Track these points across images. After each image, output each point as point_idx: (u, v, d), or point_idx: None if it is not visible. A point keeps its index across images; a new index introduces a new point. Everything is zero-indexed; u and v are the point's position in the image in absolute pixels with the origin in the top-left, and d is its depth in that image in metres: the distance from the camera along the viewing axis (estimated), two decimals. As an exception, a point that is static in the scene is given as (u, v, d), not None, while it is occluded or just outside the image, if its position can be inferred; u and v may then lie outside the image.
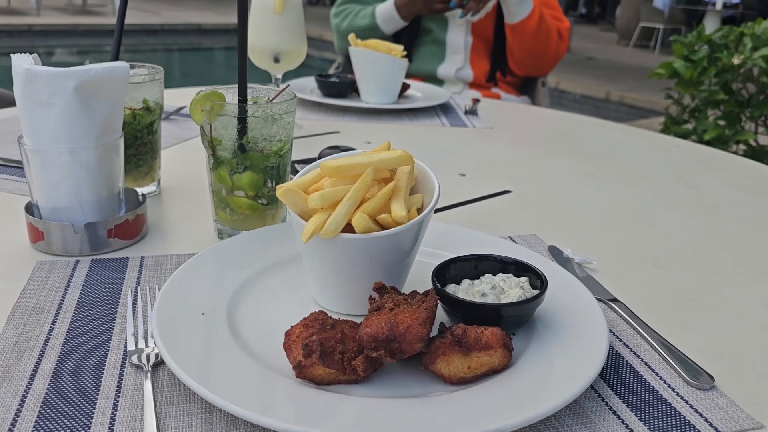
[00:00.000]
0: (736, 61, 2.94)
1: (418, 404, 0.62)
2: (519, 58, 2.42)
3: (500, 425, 0.58)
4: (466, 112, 1.91)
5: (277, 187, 0.74)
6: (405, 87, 1.97)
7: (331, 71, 2.75)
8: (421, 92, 2.07)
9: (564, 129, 1.87)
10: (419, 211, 0.78)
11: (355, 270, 0.74)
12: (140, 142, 1.11)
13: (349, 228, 0.72)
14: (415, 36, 2.49)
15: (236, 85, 0.95)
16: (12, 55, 0.89)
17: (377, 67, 1.84)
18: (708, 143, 3.13)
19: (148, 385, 0.66)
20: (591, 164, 1.51)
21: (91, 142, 0.90)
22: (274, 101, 0.96)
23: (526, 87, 2.65)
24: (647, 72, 3.74)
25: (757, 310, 0.88)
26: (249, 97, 0.96)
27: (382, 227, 0.74)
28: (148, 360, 0.70)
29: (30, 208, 0.95)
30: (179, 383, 0.67)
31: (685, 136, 3.27)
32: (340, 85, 1.92)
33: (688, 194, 1.34)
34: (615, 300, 0.87)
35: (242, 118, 0.92)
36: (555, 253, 1.00)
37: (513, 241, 1.04)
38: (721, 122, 3.19)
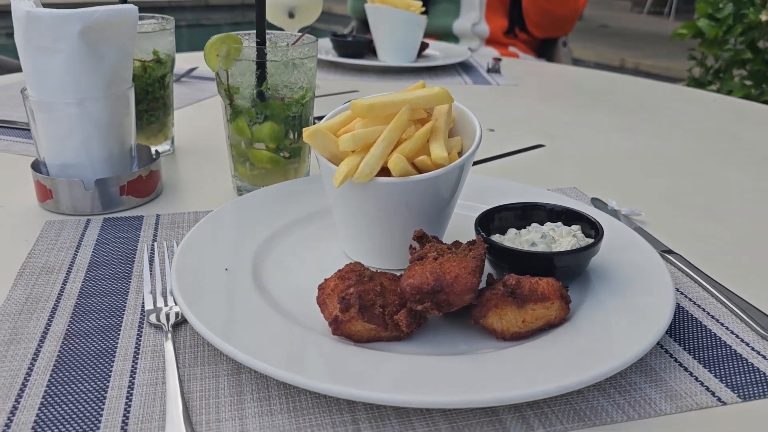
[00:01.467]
0: (764, 17, 2.83)
1: (468, 362, 0.56)
2: (535, 19, 2.33)
3: (563, 383, 0.51)
4: (489, 71, 1.83)
5: (304, 129, 0.67)
6: (423, 46, 1.88)
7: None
8: (439, 51, 1.98)
9: (592, 85, 1.79)
10: (459, 154, 0.71)
11: (391, 218, 0.67)
12: (152, 96, 1.04)
13: (384, 172, 0.66)
14: (430, -8, 2.41)
15: (253, 31, 0.88)
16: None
17: (395, 24, 1.76)
18: (734, 104, 3.02)
19: (169, 346, 0.60)
20: (626, 119, 1.43)
21: (99, 92, 0.84)
22: (294, 45, 0.89)
23: (545, 49, 2.56)
24: (662, 39, 3.63)
25: (826, 260, 0.81)
26: (267, 42, 0.89)
27: (420, 171, 0.67)
28: (168, 319, 0.64)
29: (37, 166, 0.88)
30: (203, 343, 0.61)
31: (709, 97, 3.16)
32: (356, 45, 1.84)
33: (732, 146, 1.26)
34: (670, 251, 0.80)
35: (261, 63, 0.85)
36: (599, 206, 0.93)
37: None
38: (748, 82, 3.09)
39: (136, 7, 0.85)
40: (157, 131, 1.07)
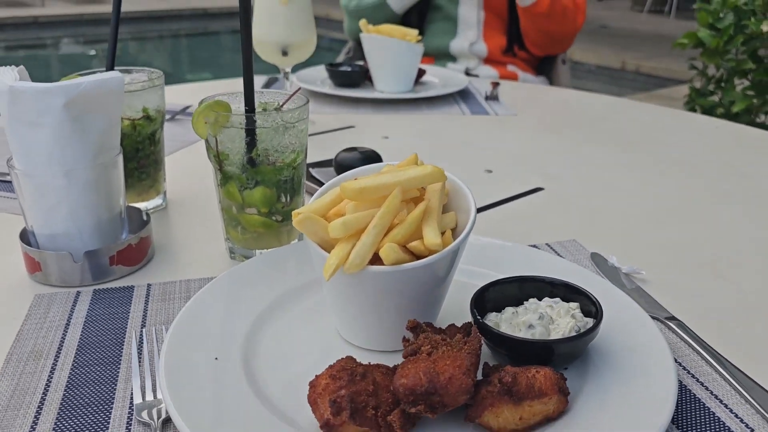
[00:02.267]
0: (765, 27, 2.80)
1: (465, 466, 0.54)
2: (534, 39, 2.32)
3: (564, 495, 0.50)
4: (487, 98, 1.81)
5: (293, 213, 0.65)
6: (421, 73, 1.87)
7: (341, 57, 2.65)
8: (437, 77, 1.96)
9: (592, 112, 1.77)
10: (453, 232, 0.69)
11: (384, 305, 0.66)
12: (142, 154, 1.03)
13: (376, 259, 0.64)
14: (425, 13, 2.39)
15: (242, 92, 0.86)
16: (-5, 69, 0.81)
17: (392, 54, 1.74)
18: (736, 115, 3.00)
19: (156, 450, 0.58)
20: (628, 153, 1.41)
21: (87, 162, 0.82)
22: (284, 107, 0.88)
23: (544, 66, 2.54)
24: (663, 39, 3.61)
25: (832, 323, 0.79)
26: (257, 104, 0.87)
27: (414, 255, 0.65)
28: (158, 416, 0.62)
29: (25, 236, 0.87)
30: (192, 444, 0.60)
31: (711, 108, 3.14)
32: (352, 75, 1.83)
33: (740, 185, 1.23)
34: (673, 318, 0.78)
35: (251, 130, 0.83)
36: (599, 262, 0.91)
37: (551, 248, 0.95)
38: (750, 92, 3.06)
39: (122, 76, 0.84)
40: (148, 187, 1.06)
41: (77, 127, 0.81)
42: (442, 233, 0.67)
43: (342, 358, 0.60)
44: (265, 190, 0.86)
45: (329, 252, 0.64)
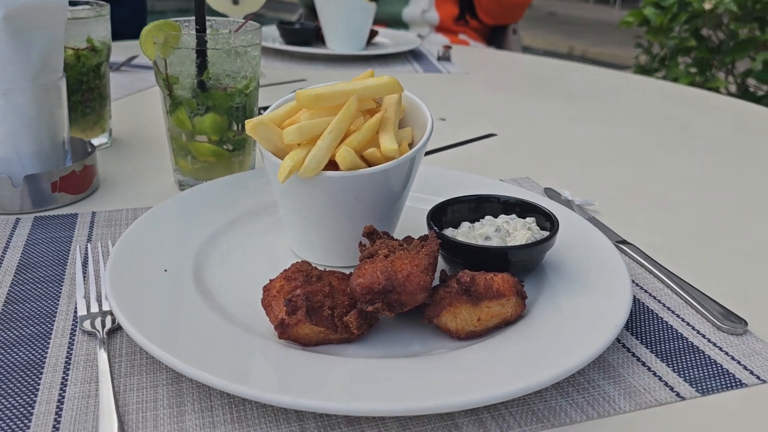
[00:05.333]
0: (707, 6, 2.88)
1: (422, 364, 0.53)
2: (487, 7, 2.33)
3: (524, 385, 0.49)
4: (439, 59, 1.81)
5: (246, 121, 0.63)
6: (373, 34, 1.85)
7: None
8: (389, 39, 1.95)
9: (542, 73, 1.78)
10: (410, 146, 0.68)
11: (340, 214, 0.64)
12: (86, 87, 0.98)
13: (332, 165, 0.62)
14: (378, -20, 2.38)
15: (193, 17, 0.83)
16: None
17: (344, 11, 1.72)
18: (679, 91, 3.07)
19: (103, 355, 0.56)
20: (577, 107, 1.43)
21: (26, 82, 0.78)
22: (237, 32, 0.85)
23: (495, 36, 2.55)
24: (609, 27, 3.68)
25: (776, 248, 0.81)
26: (208, 29, 0.84)
27: (370, 164, 0.64)
28: (103, 326, 0.60)
29: (-40, 161, 0.82)
30: (140, 351, 0.58)
31: (655, 85, 3.21)
32: (304, 32, 1.80)
33: (681, 135, 1.26)
34: (625, 242, 0.79)
35: (201, 51, 0.80)
36: (552, 196, 0.91)
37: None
38: (692, 69, 3.14)
39: (66, -8, 0.80)
40: (93, 123, 1.02)
41: (17, 44, 0.76)
42: (399, 145, 0.66)
43: (297, 262, 0.59)
44: (216, 116, 0.83)
45: (284, 159, 0.62)
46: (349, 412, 0.47)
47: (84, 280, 0.67)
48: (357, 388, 0.50)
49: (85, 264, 0.70)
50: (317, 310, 0.55)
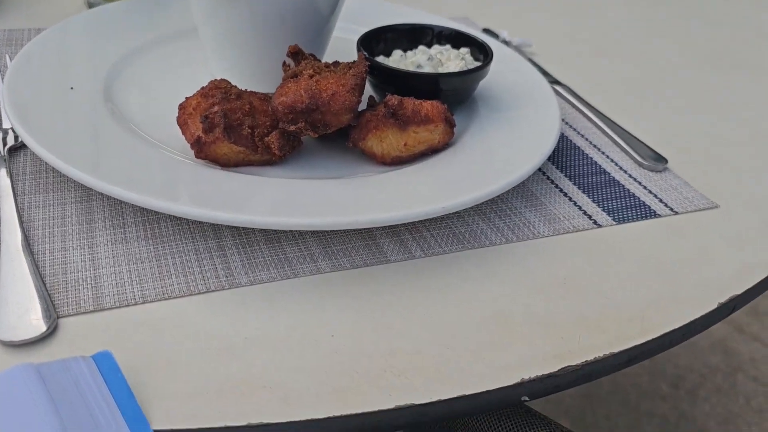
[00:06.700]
0: None
1: (345, 185, 0.52)
2: None
3: (443, 204, 0.49)
4: None
5: None
6: None
7: None
8: None
9: None
10: (341, -37, 0.63)
11: (263, 34, 0.60)
12: None
13: (254, -23, 0.57)
14: None
15: None
16: None
17: None
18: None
19: (2, 172, 0.52)
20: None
21: None
22: None
23: None
24: None
25: (709, 99, 0.81)
26: None
27: (297, -21, 0.59)
28: (4, 143, 0.56)
29: None
30: (47, 169, 0.54)
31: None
32: None
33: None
34: (558, 82, 0.78)
35: None
36: (490, 36, 0.89)
37: (442, 23, 0.91)
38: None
39: None
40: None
41: None
42: (329, -40, 0.61)
43: (215, 79, 0.55)
44: (129, -73, 0.75)
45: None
46: (267, 226, 0.46)
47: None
48: (278, 205, 0.48)
49: (-17, 80, 0.64)
50: (236, 128, 0.52)
